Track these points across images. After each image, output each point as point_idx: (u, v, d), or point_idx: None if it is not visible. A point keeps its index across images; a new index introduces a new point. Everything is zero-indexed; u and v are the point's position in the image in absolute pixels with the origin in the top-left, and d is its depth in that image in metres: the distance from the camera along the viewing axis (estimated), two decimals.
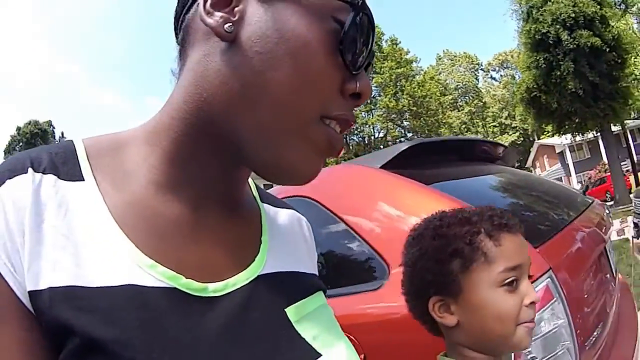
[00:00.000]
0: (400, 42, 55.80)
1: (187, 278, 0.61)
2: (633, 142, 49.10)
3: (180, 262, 0.62)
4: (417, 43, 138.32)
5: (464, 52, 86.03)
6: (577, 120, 22.75)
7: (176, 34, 0.72)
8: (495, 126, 76.82)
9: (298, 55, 0.61)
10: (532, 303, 1.04)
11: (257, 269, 0.71)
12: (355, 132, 54.35)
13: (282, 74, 0.61)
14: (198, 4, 0.64)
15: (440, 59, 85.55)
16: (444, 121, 58.41)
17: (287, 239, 0.83)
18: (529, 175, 3.67)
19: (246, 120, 0.63)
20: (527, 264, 1.07)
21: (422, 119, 53.84)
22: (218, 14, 0.62)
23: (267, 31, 0.61)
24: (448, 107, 70.45)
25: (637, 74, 32.16)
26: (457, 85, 79.87)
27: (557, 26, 20.39)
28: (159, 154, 0.67)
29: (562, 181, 49.36)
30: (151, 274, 0.58)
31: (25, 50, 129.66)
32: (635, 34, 52.08)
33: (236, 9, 0.63)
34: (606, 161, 26.02)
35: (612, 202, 22.80)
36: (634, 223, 8.86)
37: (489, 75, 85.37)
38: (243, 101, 0.62)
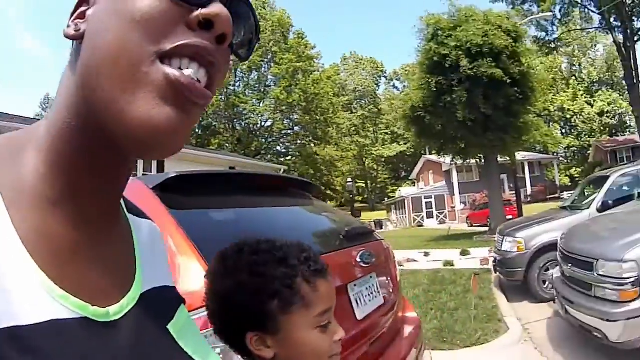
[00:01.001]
0: (306, 37, 56.46)
1: (93, 305, 0.60)
2: (530, 174, 51.53)
3: (83, 288, 0.60)
4: (330, 40, 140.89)
5: (371, 57, 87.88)
6: (461, 146, 22.68)
7: None
8: (387, 134, 78.61)
9: (125, 6, 0.57)
10: (339, 339, 1.15)
11: (138, 287, 0.71)
12: (243, 117, 54.28)
13: (112, 32, 0.57)
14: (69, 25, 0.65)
15: (345, 59, 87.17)
16: (332, 121, 58.68)
17: (152, 252, 0.82)
18: (301, 211, 3.49)
19: (96, 98, 0.58)
20: (334, 304, 1.17)
21: (311, 115, 53.83)
22: (72, 24, 0.64)
23: (102, 6, 0.60)
24: (341, 108, 71.38)
25: (540, 111, 33.57)
26: (356, 88, 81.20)
27: (459, 52, 19.90)
28: (48, 162, 0.62)
29: (444, 199, 50.67)
30: (65, 305, 0.56)
31: None
32: (546, 73, 55.00)
33: (88, 13, 0.63)
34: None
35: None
36: (494, 258, 9.57)
37: (392, 84, 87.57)
38: (89, 83, 0.58)
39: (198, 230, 2.19)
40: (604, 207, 8.56)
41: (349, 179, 13.81)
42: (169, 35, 0.57)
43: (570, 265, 5.62)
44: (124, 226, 0.77)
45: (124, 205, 0.80)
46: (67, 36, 0.63)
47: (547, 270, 7.91)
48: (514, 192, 39.60)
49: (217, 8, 0.59)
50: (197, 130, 55.44)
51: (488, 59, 19.48)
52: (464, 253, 15.13)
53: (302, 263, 1.12)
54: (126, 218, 0.79)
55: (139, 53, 0.56)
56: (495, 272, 9.56)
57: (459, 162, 25.92)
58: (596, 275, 4.93)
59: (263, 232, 2.43)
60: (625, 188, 9.39)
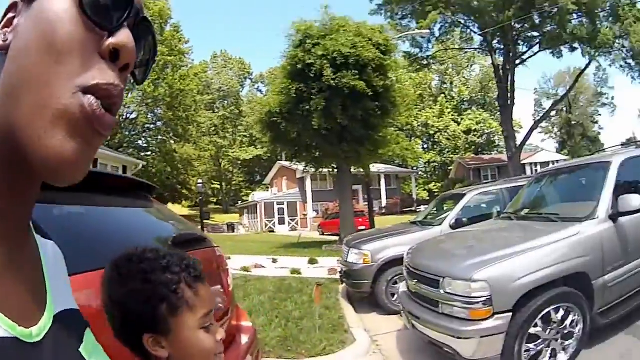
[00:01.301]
0: (181, 30, 55.22)
1: (19, 326, 0.60)
2: (386, 186, 52.94)
3: (7, 307, 0.60)
4: (205, 36, 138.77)
5: (240, 58, 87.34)
6: (315, 155, 22.78)
7: None
8: (245, 136, 78.40)
9: (46, 31, 0.58)
10: (221, 338, 1.27)
11: (51, 309, 0.70)
12: None
13: (34, 56, 0.58)
14: None
15: (215, 57, 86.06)
16: (194, 119, 57.77)
17: (57, 274, 0.80)
18: (136, 213, 3.33)
19: (14, 117, 0.58)
20: (214, 307, 1.30)
21: (174, 111, 52.73)
22: (1, 32, 0.64)
23: (25, 24, 0.61)
24: (204, 106, 70.43)
25: (403, 125, 34.61)
26: (220, 87, 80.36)
27: (325, 61, 19.73)
28: None
29: (296, 206, 51.05)
30: None
31: None
32: (413, 89, 56.56)
33: (14, 21, 0.64)
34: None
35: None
36: (341, 269, 9.68)
37: (256, 87, 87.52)
38: (9, 100, 0.59)
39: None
40: (457, 224, 8.74)
41: (199, 180, 13.59)
42: (88, 69, 0.58)
43: (415, 281, 5.68)
44: (34, 247, 0.76)
45: (31, 226, 0.77)
46: None
47: (396, 283, 8.02)
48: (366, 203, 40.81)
49: (124, 37, 0.61)
50: None
51: (353, 70, 19.49)
52: (312, 262, 15.16)
53: (184, 270, 1.22)
54: (34, 238, 0.77)
55: (61, 87, 0.57)
56: (342, 283, 9.62)
57: (312, 170, 25.98)
58: (442, 292, 5.00)
59: (89, 232, 2.56)
60: (481, 206, 9.71)
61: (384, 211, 47.65)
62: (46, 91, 0.57)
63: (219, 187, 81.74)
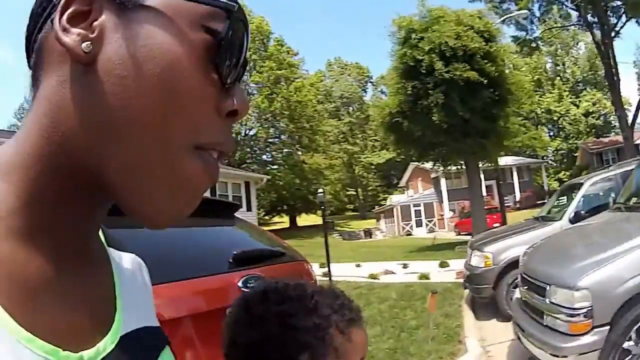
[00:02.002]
0: (286, 44, 56.73)
1: (64, 350, 0.54)
2: (519, 179, 51.24)
3: (54, 329, 0.55)
4: (315, 47, 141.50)
5: (356, 63, 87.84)
6: (442, 152, 22.50)
7: (28, 57, 0.62)
8: (376, 140, 78.48)
9: (166, 76, 0.53)
10: None
11: (118, 328, 0.64)
12: None
13: (149, 99, 0.53)
14: (53, 19, 0.54)
15: (330, 65, 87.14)
16: (318, 128, 58.65)
17: (135, 290, 0.75)
18: (213, 231, 3.49)
19: (110, 157, 0.55)
20: (367, 353, 1.11)
21: (296, 123, 53.88)
22: (75, 31, 0.53)
23: (130, 49, 0.53)
24: (328, 115, 71.34)
25: (527, 113, 33.37)
26: (342, 94, 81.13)
27: (433, 55, 19.67)
28: (16, 194, 0.57)
29: (433, 207, 50.34)
30: (31, 349, 0.51)
31: None
32: (529, 74, 55.01)
33: (95, 23, 0.54)
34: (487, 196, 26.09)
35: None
36: (465, 275, 9.00)
37: (380, 90, 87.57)
38: (106, 135, 0.54)
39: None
40: (576, 218, 8.01)
41: (320, 190, 13.71)
42: (208, 126, 0.56)
43: (526, 287, 5.20)
44: (102, 262, 0.71)
45: (103, 238, 0.74)
46: (70, 51, 0.52)
47: (516, 287, 7.21)
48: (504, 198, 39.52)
49: (243, 97, 0.59)
50: None
51: (462, 61, 19.29)
52: (443, 265, 14.75)
53: (335, 312, 1.07)
54: (106, 252, 0.73)
55: (182, 142, 0.54)
56: (465, 288, 9.16)
57: (440, 169, 25.77)
58: (548, 302, 4.47)
59: (168, 252, 2.75)
60: (599, 196, 8.88)
61: (518, 206, 45.87)
62: (163, 145, 0.53)
63: (354, 193, 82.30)
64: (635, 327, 4.08)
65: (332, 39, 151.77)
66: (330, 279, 11.86)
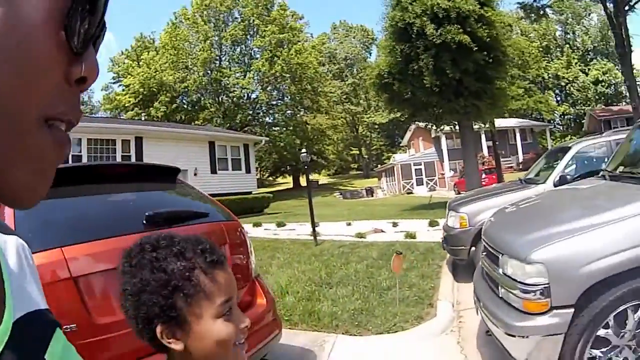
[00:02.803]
0: (289, 8, 56.48)
1: None
2: (522, 141, 50.89)
3: None
4: (322, 10, 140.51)
5: (361, 25, 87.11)
6: (434, 112, 22.20)
7: None
8: (381, 101, 78.08)
9: (11, 44, 0.48)
10: (245, 326, 1.20)
11: (10, 315, 0.63)
12: (228, 91, 54.40)
13: (7, 72, 0.48)
14: None
15: (335, 28, 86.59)
16: (321, 90, 58.36)
17: (21, 272, 0.72)
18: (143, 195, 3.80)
19: None
20: (235, 294, 1.21)
21: (298, 85, 53.96)
22: None
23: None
24: (332, 76, 70.93)
25: (534, 77, 33.03)
26: (346, 56, 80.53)
27: (425, 18, 19.38)
28: None
29: (434, 166, 50.15)
30: None
31: None
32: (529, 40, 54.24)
33: None
34: (484, 153, 25.82)
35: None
36: (443, 236, 8.67)
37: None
38: None
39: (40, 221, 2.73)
40: (561, 182, 7.56)
41: (303, 150, 13.52)
42: (58, 95, 0.52)
43: (484, 254, 4.69)
44: None
45: None
46: None
47: None
48: (505, 158, 39.23)
49: (94, 63, 0.55)
50: (186, 106, 55.73)
51: (455, 24, 18.95)
52: (433, 224, 14.40)
53: (199, 255, 1.17)
54: None
55: (32, 116, 0.50)
56: (444, 249, 8.70)
57: (434, 128, 25.55)
58: (502, 273, 3.96)
59: (89, 215, 3.24)
60: (591, 161, 8.53)
61: (521, 167, 45.59)
62: (15, 118, 0.49)
63: (357, 152, 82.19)
64: (614, 314, 3.46)
65: (340, 2, 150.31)
66: (315, 237, 11.71)
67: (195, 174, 27.26)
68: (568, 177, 7.81)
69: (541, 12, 39.84)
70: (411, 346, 5.18)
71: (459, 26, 19.03)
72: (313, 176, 64.53)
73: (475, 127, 24.22)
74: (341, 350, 5.19)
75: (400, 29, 20.24)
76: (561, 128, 72.93)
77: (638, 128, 5.95)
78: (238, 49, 58.62)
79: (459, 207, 8.11)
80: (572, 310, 3.44)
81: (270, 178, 68.47)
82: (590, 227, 3.66)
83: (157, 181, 3.85)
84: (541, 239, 3.74)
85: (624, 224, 3.58)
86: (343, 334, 5.51)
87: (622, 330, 3.49)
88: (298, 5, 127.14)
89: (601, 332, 3.47)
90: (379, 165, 71.15)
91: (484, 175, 33.39)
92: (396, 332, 5.44)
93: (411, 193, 48.66)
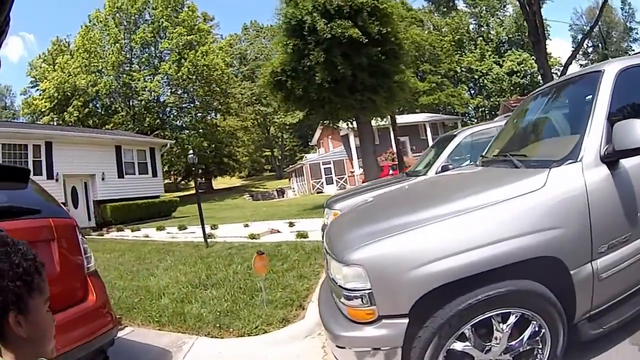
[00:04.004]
0: (198, 10, 56.27)
1: None
2: (432, 135, 51.71)
3: None
4: (234, 12, 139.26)
5: (271, 25, 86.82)
6: (329, 109, 22.06)
7: None
8: (275, 100, 78.04)
9: None
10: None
11: None
12: (137, 95, 53.16)
13: None
14: None
15: (246, 28, 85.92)
16: (229, 92, 57.91)
17: None
18: None
19: None
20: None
21: (204, 88, 53.87)
22: None
23: None
24: (242, 77, 70.47)
25: (446, 71, 33.27)
26: (257, 57, 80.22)
27: (315, 14, 19.26)
28: None
29: (343, 164, 50.41)
30: None
31: None
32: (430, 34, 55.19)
33: None
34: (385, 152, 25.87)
35: None
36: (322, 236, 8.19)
37: None
38: None
39: None
40: (443, 172, 7.17)
41: (190, 152, 13.29)
42: None
43: (328, 256, 3.74)
44: None
45: None
46: None
47: None
48: (417, 153, 39.82)
49: None
50: (99, 111, 54.31)
51: (347, 18, 18.90)
52: None
53: (35, 258, 1.35)
54: None
55: None
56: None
57: (329, 125, 25.67)
58: (330, 277, 3.50)
59: None
60: (477, 149, 7.58)
61: None
62: None
63: (270, 154, 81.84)
64: (471, 323, 2.93)
65: (252, 2, 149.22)
66: (205, 240, 11.58)
67: (103, 179, 27.03)
68: (450, 167, 7.61)
69: (450, 4, 40.46)
70: (269, 350, 5.02)
71: (349, 20, 18.96)
72: (225, 179, 63.90)
73: (383, 122, 24.37)
74: (198, 351, 5.13)
75: (293, 26, 20.14)
76: (476, 121, 74.89)
77: (521, 110, 5.64)
78: (148, 52, 57.69)
79: (333, 204, 7.94)
80: (407, 320, 2.92)
81: (184, 182, 67.41)
82: (423, 222, 3.07)
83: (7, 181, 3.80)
84: (364, 237, 3.18)
85: (466, 218, 3.05)
86: (205, 335, 5.45)
87: (488, 344, 3.00)
88: (210, 7, 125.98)
89: (457, 345, 2.97)
90: (291, 166, 71.21)
91: (391, 171, 33.90)
92: (257, 335, 5.30)
93: (321, 192, 48.58)
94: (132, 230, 19.14)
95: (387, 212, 3.94)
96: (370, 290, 2.92)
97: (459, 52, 72.93)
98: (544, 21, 36.77)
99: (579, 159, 3.30)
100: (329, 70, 19.39)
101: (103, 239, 18.41)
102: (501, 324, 2.97)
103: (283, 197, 51.98)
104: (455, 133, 8.77)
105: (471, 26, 79.87)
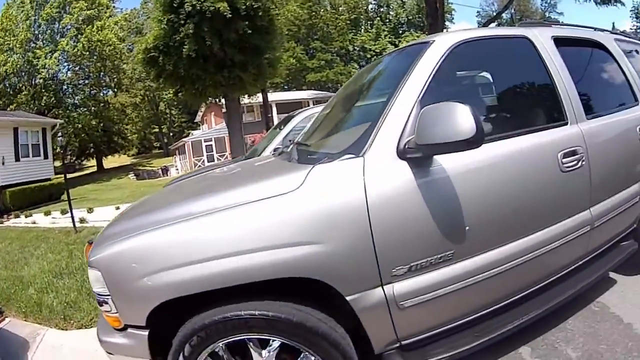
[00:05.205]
0: None
1: None
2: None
3: None
4: None
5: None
6: (197, 86, 21.42)
7: None
8: (148, 78, 75.92)
9: None
10: None
11: None
12: (36, 73, 50.66)
13: None
14: None
15: (145, 3, 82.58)
16: (120, 67, 56.97)
17: None
18: None
19: None
20: None
21: (96, 64, 52.48)
22: None
23: None
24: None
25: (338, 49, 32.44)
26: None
27: None
28: None
29: (224, 141, 49.51)
30: None
31: None
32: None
33: None
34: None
35: None
36: None
37: None
38: None
39: None
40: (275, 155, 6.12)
41: (59, 134, 12.86)
42: None
43: None
44: None
45: None
46: None
47: None
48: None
49: None
50: (9, 91, 50.56)
51: None
52: None
53: None
54: None
55: None
56: None
57: (196, 103, 25.35)
58: None
59: None
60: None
61: None
62: None
63: (158, 131, 79.67)
64: (225, 342, 2.41)
65: None
66: (74, 226, 11.66)
67: (3, 163, 25.16)
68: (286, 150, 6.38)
69: None
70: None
71: None
72: (114, 157, 61.76)
73: (256, 100, 23.81)
74: (47, 343, 4.98)
75: (166, 2, 19.15)
76: None
77: (358, 77, 4.75)
78: (51, 28, 53.84)
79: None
80: (147, 332, 2.50)
81: (78, 162, 64.12)
82: (157, 223, 2.49)
83: None
84: (108, 237, 2.66)
85: (198, 222, 2.40)
86: (54, 327, 5.27)
87: None
88: None
89: None
90: (174, 144, 69.59)
91: None
92: (93, 327, 4.79)
93: None
94: (26, 217, 17.75)
95: (138, 210, 3.20)
96: (109, 296, 2.50)
97: (353, 31, 73.23)
98: (449, 4, 36.49)
99: (361, 154, 2.47)
100: (199, 44, 19.17)
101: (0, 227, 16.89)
102: (261, 349, 2.44)
103: (167, 175, 50.18)
104: (294, 114, 8.13)
105: (370, 6, 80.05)
